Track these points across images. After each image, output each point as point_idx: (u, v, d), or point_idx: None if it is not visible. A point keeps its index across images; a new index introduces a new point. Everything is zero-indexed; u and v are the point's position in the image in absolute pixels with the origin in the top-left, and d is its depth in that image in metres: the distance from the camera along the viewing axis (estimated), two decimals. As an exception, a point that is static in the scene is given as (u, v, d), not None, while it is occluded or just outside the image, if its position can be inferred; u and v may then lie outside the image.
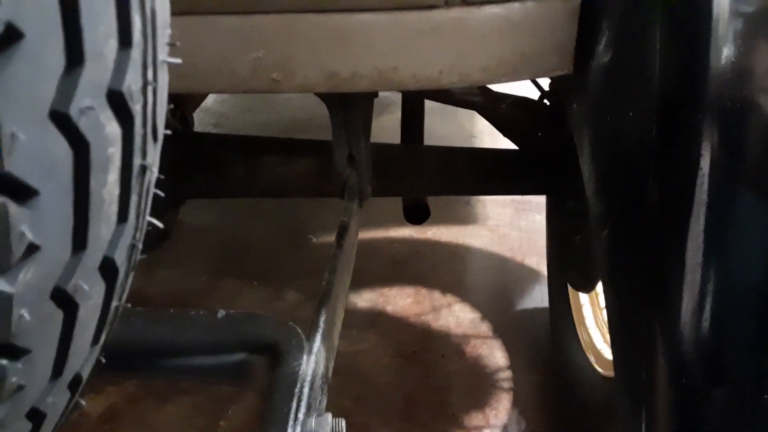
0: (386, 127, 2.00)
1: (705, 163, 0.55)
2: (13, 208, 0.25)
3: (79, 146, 0.26)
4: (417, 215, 1.34)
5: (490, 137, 2.33)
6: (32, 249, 0.26)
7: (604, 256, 0.65)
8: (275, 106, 2.57)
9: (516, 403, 1.32)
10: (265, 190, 1.15)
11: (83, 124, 0.26)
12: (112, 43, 0.26)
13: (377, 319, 1.55)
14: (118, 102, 0.28)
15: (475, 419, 1.29)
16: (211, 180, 1.15)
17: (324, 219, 1.89)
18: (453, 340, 1.48)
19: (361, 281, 1.66)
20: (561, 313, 1.33)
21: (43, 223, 0.26)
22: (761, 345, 0.56)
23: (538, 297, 1.59)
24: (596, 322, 1.24)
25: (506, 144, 1.27)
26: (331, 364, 0.61)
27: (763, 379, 0.57)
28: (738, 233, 0.55)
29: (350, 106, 0.84)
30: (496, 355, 1.44)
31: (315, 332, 0.57)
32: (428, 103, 1.33)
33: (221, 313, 0.59)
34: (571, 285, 1.28)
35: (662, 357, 0.58)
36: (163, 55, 0.32)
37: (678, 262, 0.56)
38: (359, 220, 0.90)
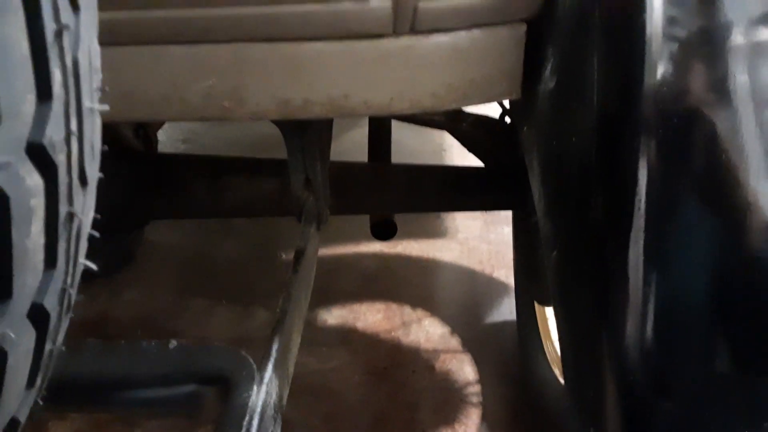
0: (357, 141, 2.01)
1: (642, 184, 0.57)
2: None
3: None
4: (384, 232, 1.35)
5: (460, 150, 2.36)
6: None
7: (554, 276, 0.66)
8: (245, 122, 2.56)
9: (485, 417, 1.33)
10: (229, 210, 1.15)
11: (1, 179, 0.26)
12: (30, 99, 0.27)
13: (347, 335, 1.55)
14: (38, 154, 0.28)
15: (444, 435, 1.29)
16: (175, 201, 1.15)
17: (294, 236, 1.88)
18: (423, 356, 1.49)
19: (331, 297, 1.65)
20: (528, 326, 1.35)
21: None
22: (703, 359, 0.58)
23: (507, 310, 1.61)
24: (561, 335, 1.26)
25: (476, 158, 1.29)
26: (286, 392, 0.61)
27: (706, 392, 0.59)
28: (676, 249, 0.57)
29: (305, 131, 0.85)
30: (465, 370, 1.45)
31: (267, 361, 0.57)
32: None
33: (173, 343, 0.59)
34: (535, 299, 1.30)
35: (609, 373, 0.59)
36: (89, 102, 0.32)
37: (621, 281, 0.58)
38: (317, 244, 0.90)
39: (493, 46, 0.68)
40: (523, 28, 0.69)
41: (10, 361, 0.32)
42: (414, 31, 0.64)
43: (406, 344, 1.52)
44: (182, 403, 0.55)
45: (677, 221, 0.57)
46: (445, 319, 1.60)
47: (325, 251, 1.88)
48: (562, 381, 1.17)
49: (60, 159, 0.30)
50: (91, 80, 0.33)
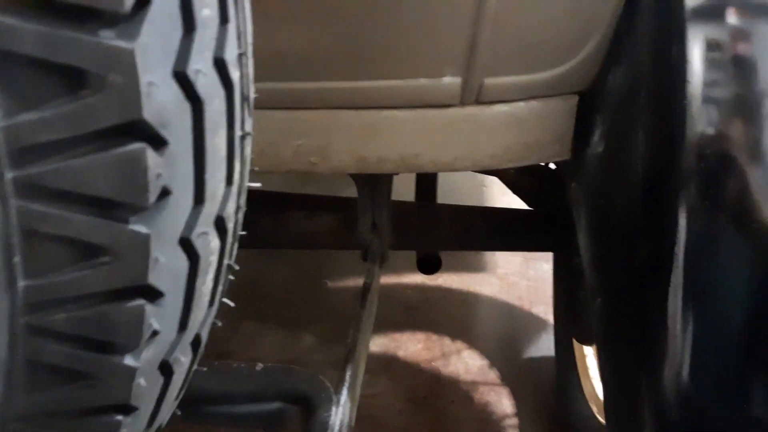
0: (399, 177, 2.11)
1: (681, 238, 0.63)
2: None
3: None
4: (430, 266, 1.43)
5: (500, 187, 2.43)
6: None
7: (598, 322, 0.73)
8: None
9: (522, 450, 1.37)
10: (290, 242, 1.25)
11: (199, 244, 0.36)
12: (222, 186, 0.36)
13: (389, 364, 1.62)
14: (221, 225, 0.37)
15: (482, 465, 1.34)
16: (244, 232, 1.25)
17: (339, 265, 1.98)
18: (462, 387, 1.54)
19: (374, 327, 1.73)
20: (566, 363, 1.40)
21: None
22: (739, 403, 0.64)
23: (545, 346, 1.66)
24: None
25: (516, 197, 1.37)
26: (354, 414, 0.69)
27: (740, 434, 0.64)
28: (714, 299, 0.64)
29: (375, 182, 0.94)
30: (503, 403, 1.49)
31: (342, 385, 0.65)
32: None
33: (259, 365, 0.68)
34: (575, 338, 1.35)
35: (649, 414, 0.65)
36: (247, 182, 0.42)
37: (661, 327, 0.64)
38: (379, 280, 0.99)
39: (548, 115, 0.76)
40: (576, 99, 0.77)
41: (201, 264, 0.36)
42: (479, 101, 0.74)
43: (446, 375, 1.58)
44: (269, 420, 0.64)
45: (715, 272, 0.64)
46: (484, 351, 1.65)
47: (369, 281, 1.96)
48: (599, 418, 1.22)
49: (230, 227, 0.39)
50: (248, 165, 0.43)
